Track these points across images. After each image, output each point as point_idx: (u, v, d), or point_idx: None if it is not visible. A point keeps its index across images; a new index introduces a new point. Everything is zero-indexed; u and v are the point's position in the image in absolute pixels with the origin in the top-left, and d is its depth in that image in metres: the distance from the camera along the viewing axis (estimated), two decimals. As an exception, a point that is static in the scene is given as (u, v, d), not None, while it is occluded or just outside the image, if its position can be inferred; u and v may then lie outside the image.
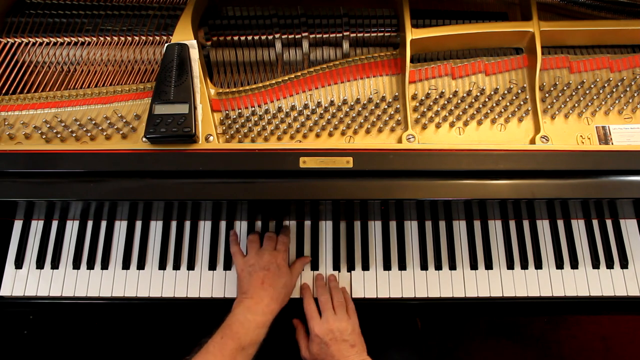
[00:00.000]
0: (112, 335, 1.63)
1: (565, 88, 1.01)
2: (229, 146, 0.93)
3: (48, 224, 1.08)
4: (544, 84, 1.00)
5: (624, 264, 1.06)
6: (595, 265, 1.06)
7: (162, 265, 1.05)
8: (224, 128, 0.96)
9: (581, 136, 0.98)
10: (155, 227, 1.08)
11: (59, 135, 0.94)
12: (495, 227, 1.09)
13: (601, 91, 1.01)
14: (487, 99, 1.00)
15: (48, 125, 0.96)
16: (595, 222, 1.09)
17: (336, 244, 1.07)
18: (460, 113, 0.98)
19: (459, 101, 1.00)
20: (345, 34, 1.03)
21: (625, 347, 1.68)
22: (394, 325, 1.18)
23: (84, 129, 0.95)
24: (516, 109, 0.99)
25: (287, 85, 1.00)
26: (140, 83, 1.00)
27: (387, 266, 1.05)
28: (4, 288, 1.04)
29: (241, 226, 1.09)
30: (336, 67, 1.01)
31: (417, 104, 0.99)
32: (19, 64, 1.02)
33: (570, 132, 0.98)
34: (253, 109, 0.98)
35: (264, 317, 0.91)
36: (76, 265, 1.05)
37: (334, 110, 0.99)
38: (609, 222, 1.09)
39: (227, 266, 1.06)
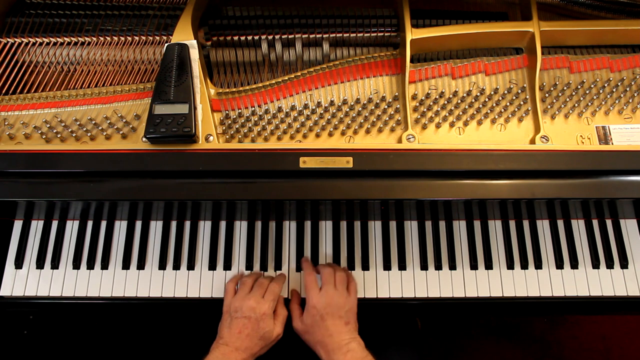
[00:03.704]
0: (112, 335, 1.63)
1: (565, 88, 1.01)
2: (229, 146, 0.93)
3: (48, 224, 1.08)
4: (544, 84, 1.00)
5: (624, 264, 1.06)
6: (595, 265, 1.06)
7: (162, 265, 1.05)
8: (224, 128, 0.96)
9: (581, 136, 0.98)
10: (155, 227, 1.08)
11: (59, 135, 0.94)
12: (495, 227, 1.09)
13: (601, 91, 1.01)
14: (487, 99, 1.00)
15: (48, 125, 0.96)
16: (595, 222, 1.09)
17: (336, 244, 1.07)
18: (460, 113, 0.98)
19: (459, 101, 1.00)
20: (345, 34, 1.03)
21: (625, 347, 1.68)
22: (394, 325, 1.18)
23: (84, 129, 0.95)
24: (516, 109, 0.99)
25: (287, 85, 1.00)
26: (140, 83, 1.00)
27: (387, 266, 1.05)
28: (4, 288, 1.04)
29: (241, 226, 1.09)
30: (336, 67, 1.01)
31: (417, 104, 0.99)
32: (19, 64, 1.02)
33: (570, 132, 0.98)
34: (253, 109, 0.98)
35: None
36: (76, 265, 1.05)
37: (334, 110, 0.99)
38: (609, 222, 1.09)
39: (227, 266, 1.05)
